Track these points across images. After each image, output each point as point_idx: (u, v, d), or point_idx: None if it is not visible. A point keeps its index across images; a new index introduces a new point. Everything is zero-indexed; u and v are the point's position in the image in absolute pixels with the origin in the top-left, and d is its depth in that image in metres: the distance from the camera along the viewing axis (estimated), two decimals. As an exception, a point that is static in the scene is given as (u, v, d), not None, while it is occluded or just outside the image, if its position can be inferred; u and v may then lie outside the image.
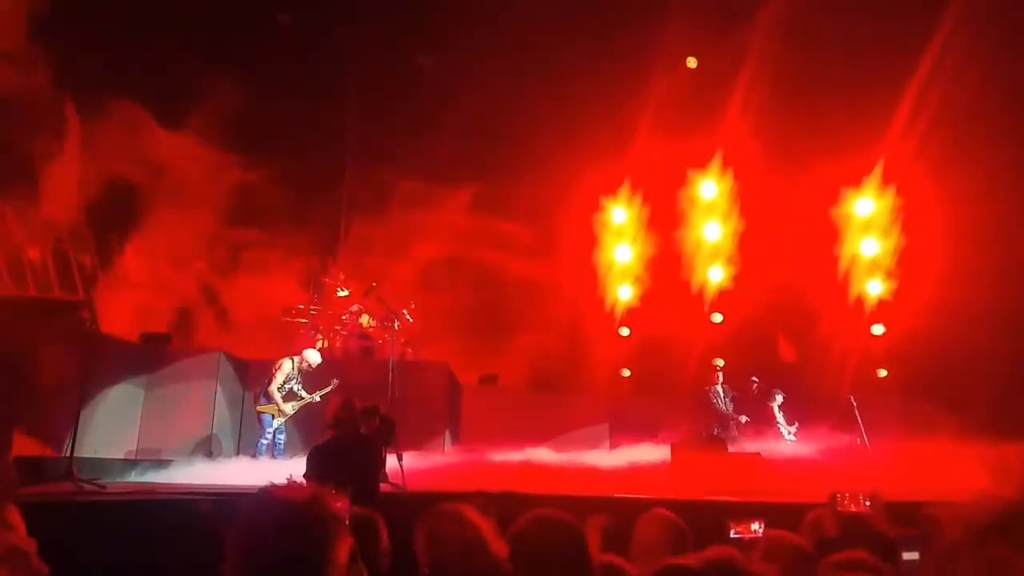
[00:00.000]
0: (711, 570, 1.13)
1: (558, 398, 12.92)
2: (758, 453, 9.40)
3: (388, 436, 7.10)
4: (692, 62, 14.00)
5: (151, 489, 6.47)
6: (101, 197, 11.16)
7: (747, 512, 5.55)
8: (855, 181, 12.86)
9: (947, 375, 11.29)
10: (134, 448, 9.18)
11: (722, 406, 11.25)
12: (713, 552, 1.20)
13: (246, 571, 1.34)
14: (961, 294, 10.96)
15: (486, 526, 2.69)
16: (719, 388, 11.36)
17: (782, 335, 13.38)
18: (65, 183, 10.58)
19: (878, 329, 12.87)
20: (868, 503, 3.76)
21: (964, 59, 10.79)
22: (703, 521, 3.24)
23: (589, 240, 14.57)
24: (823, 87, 12.19)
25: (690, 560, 1.14)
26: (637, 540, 2.99)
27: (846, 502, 3.97)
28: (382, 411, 7.24)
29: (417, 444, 9.04)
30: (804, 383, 12.10)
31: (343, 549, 1.41)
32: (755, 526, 3.17)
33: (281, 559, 1.33)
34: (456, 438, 11.16)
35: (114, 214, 11.54)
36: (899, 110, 11.59)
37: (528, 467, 8.98)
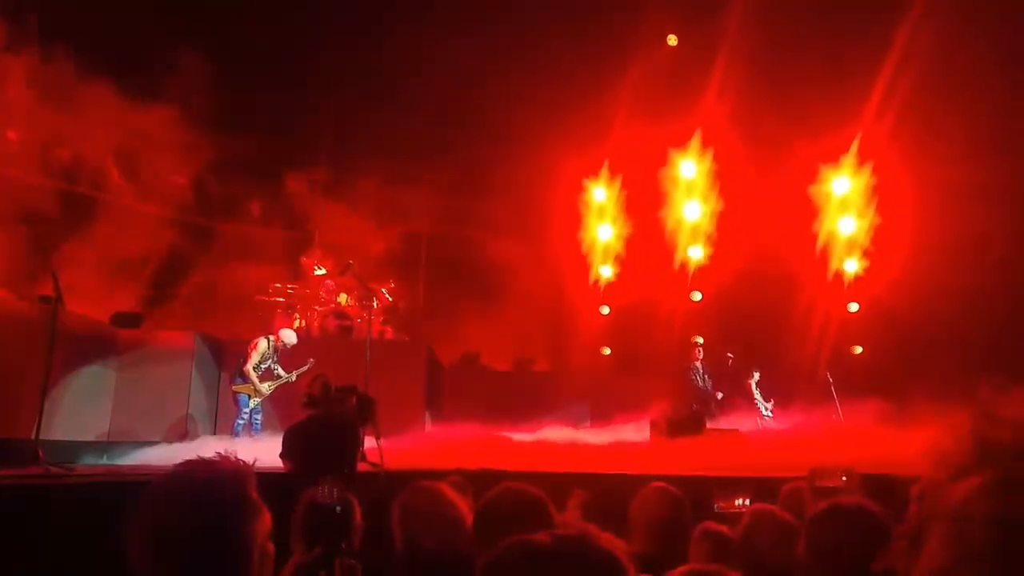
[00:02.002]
0: (561, 544, 1.10)
1: (539, 376, 12.94)
2: (736, 429, 9.48)
3: (366, 415, 7.00)
4: (672, 40, 13.93)
5: (120, 471, 6.35)
6: (67, 171, 10.87)
7: (726, 486, 5.57)
8: (833, 159, 12.91)
9: (920, 350, 11.43)
10: (106, 431, 9.03)
11: (700, 383, 11.34)
12: (567, 528, 1.18)
13: (150, 549, 1.28)
14: (936, 271, 11.08)
15: (462, 503, 2.65)
16: (698, 365, 11.44)
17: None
18: (25, 155, 10.29)
19: (854, 307, 13.00)
20: (844, 477, 3.77)
21: (938, 37, 10.83)
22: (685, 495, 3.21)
23: (569, 219, 14.51)
24: (801, 66, 12.17)
25: (541, 536, 1.10)
26: (635, 512, 2.97)
27: (823, 477, 3.97)
28: (360, 390, 7.14)
29: (398, 423, 8.97)
30: (781, 360, 12.21)
31: (256, 529, 1.34)
32: (739, 501, 3.13)
33: (185, 536, 1.28)
34: (437, 417, 11.12)
35: (80, 190, 11.24)
36: (876, 87, 11.61)
37: (509, 445, 8.97)
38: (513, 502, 2.16)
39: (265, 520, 1.38)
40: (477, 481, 3.50)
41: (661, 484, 3.02)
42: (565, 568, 1.07)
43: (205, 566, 1.28)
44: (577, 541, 1.11)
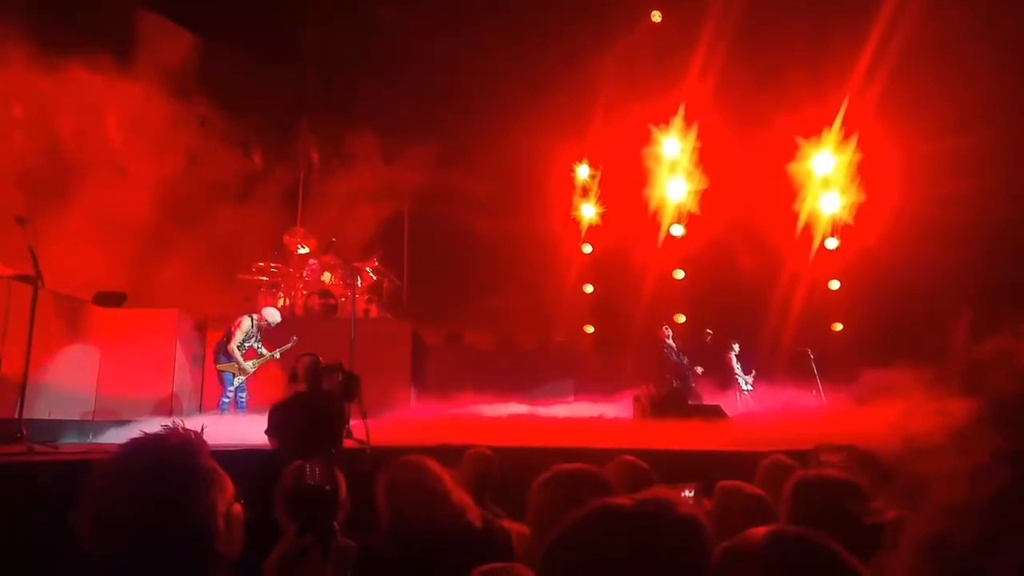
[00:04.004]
0: (643, 508, 1.13)
1: (523, 354, 13.01)
2: (718, 405, 9.61)
3: (352, 392, 7.03)
4: (656, 16, 13.90)
5: (103, 449, 6.34)
6: (47, 147, 10.70)
7: (707, 462, 5.67)
8: (816, 133, 12.96)
9: (902, 327, 11.60)
10: (91, 409, 9.00)
11: (675, 359, 11.49)
12: (647, 492, 1.19)
13: (99, 530, 1.24)
14: (919, 246, 11.19)
15: (447, 476, 2.69)
16: (671, 343, 11.59)
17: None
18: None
19: (835, 284, 13.14)
20: (846, 454, 3.83)
21: (922, 9, 10.85)
22: (664, 470, 3.27)
23: (553, 197, 14.51)
24: (785, 41, 12.16)
25: (623, 499, 1.14)
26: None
27: (827, 452, 4.00)
28: (345, 368, 7.16)
29: (382, 402, 9.01)
30: (762, 337, 12.35)
31: (213, 497, 1.31)
32: (686, 492, 3.09)
33: (132, 514, 1.24)
34: (422, 395, 11.18)
35: (61, 166, 11.06)
36: (860, 60, 11.62)
37: (493, 421, 9.04)
38: (574, 483, 2.10)
39: (225, 487, 1.34)
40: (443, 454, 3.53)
41: (630, 457, 3.06)
42: (648, 529, 1.10)
43: (158, 541, 1.24)
44: (658, 504, 1.13)
